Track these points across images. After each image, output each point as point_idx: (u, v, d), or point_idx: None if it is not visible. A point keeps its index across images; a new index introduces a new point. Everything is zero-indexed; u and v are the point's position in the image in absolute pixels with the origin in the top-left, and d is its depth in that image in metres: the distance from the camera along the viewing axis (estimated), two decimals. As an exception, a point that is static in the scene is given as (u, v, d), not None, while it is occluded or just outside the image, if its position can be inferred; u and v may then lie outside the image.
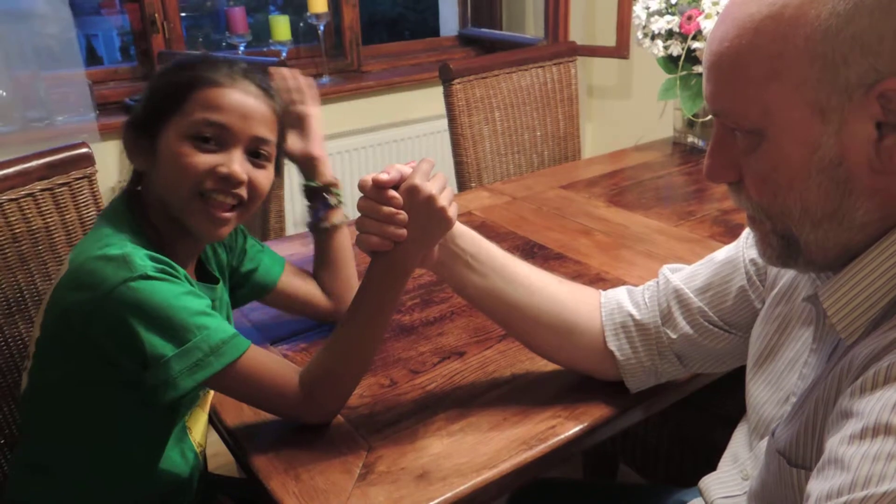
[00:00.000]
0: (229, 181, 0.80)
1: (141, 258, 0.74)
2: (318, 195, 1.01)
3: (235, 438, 0.83)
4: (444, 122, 2.58)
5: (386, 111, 2.54)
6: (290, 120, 0.96)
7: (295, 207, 2.36)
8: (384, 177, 0.75)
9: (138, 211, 0.83)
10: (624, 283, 1.15)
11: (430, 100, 2.63)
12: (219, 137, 0.79)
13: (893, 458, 0.43)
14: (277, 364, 0.80)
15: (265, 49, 2.37)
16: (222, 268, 0.95)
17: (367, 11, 2.51)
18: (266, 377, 0.78)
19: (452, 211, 0.78)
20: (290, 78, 1.00)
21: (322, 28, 2.35)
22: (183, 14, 2.11)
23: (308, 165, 1.00)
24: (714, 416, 1.29)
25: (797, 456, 0.59)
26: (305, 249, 1.34)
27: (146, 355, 0.73)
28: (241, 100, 0.80)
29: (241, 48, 2.24)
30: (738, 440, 0.80)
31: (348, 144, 2.40)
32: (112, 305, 0.73)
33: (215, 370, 0.75)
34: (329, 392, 0.81)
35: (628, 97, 2.87)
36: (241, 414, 0.86)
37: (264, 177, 0.83)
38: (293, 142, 0.98)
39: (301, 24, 2.46)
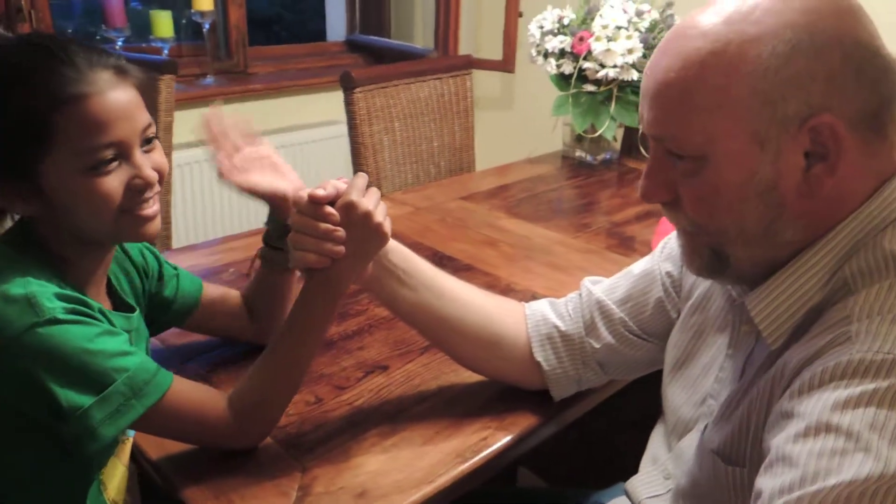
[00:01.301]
0: (148, 188, 0.74)
1: (49, 299, 0.66)
2: None
3: (160, 471, 0.78)
4: (334, 129, 2.56)
5: (274, 115, 2.47)
6: (250, 163, 0.89)
7: (187, 214, 2.24)
8: (321, 192, 0.74)
9: (35, 240, 0.74)
10: (534, 293, 1.19)
11: (319, 105, 2.59)
12: (117, 153, 0.71)
13: (836, 453, 0.48)
14: (203, 394, 0.76)
15: (144, 45, 2.23)
16: (138, 295, 0.88)
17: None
18: (193, 411, 0.74)
19: (388, 226, 0.78)
20: (223, 118, 0.90)
21: (207, 26, 2.25)
22: (55, 2, 1.95)
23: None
24: (614, 419, 1.36)
25: (732, 455, 0.64)
26: (207, 261, 1.29)
27: (61, 407, 0.66)
28: (115, 100, 0.70)
29: (119, 43, 2.10)
30: (656, 442, 0.85)
31: (234, 148, 2.31)
32: (16, 355, 0.65)
33: (139, 413, 0.69)
34: (261, 418, 0.78)
35: (510, 109, 2.97)
36: (163, 444, 0.80)
37: (160, 154, 0.76)
38: (271, 183, 0.89)
39: (183, 21, 2.35)
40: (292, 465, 0.79)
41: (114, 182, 0.71)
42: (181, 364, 0.97)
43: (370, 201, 0.76)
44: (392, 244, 0.83)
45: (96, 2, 2.11)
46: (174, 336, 1.02)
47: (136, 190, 0.73)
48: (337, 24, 2.91)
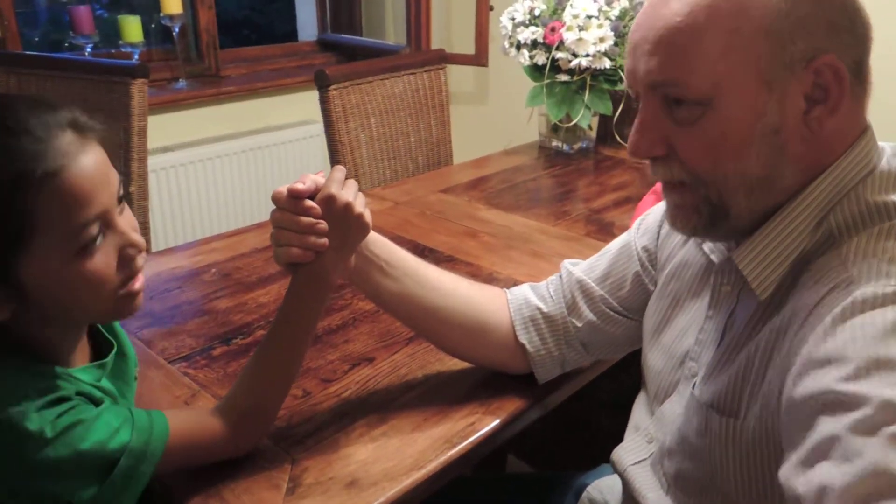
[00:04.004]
0: (140, 253, 0.67)
1: (31, 420, 0.61)
2: None
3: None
4: (308, 129, 2.56)
5: (248, 117, 2.47)
6: None
7: (164, 219, 2.23)
8: (301, 186, 0.74)
9: (6, 334, 0.65)
10: (516, 281, 1.20)
11: (293, 105, 2.59)
12: (101, 225, 0.63)
13: None
14: (197, 420, 0.75)
15: (114, 51, 2.21)
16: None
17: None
18: (192, 442, 0.73)
19: (368, 216, 0.78)
20: None
21: (177, 30, 2.24)
22: (19, 11, 1.92)
23: None
24: (592, 399, 1.38)
25: (726, 407, 0.65)
26: (189, 262, 1.28)
27: (72, 500, 0.65)
28: (88, 166, 0.62)
29: (88, 49, 2.08)
30: (638, 411, 0.86)
31: (209, 152, 2.30)
32: (13, 477, 0.63)
33: (149, 474, 0.68)
34: (258, 422, 0.78)
35: (484, 104, 2.98)
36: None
37: (130, 214, 0.69)
38: None
39: (152, 25, 2.33)
40: (283, 457, 0.79)
41: (105, 258, 0.64)
42: (167, 363, 0.97)
43: (349, 193, 0.76)
44: (373, 235, 0.83)
45: (64, 9, 2.09)
46: (159, 337, 1.02)
47: (129, 259, 0.66)
48: (308, 23, 2.91)
